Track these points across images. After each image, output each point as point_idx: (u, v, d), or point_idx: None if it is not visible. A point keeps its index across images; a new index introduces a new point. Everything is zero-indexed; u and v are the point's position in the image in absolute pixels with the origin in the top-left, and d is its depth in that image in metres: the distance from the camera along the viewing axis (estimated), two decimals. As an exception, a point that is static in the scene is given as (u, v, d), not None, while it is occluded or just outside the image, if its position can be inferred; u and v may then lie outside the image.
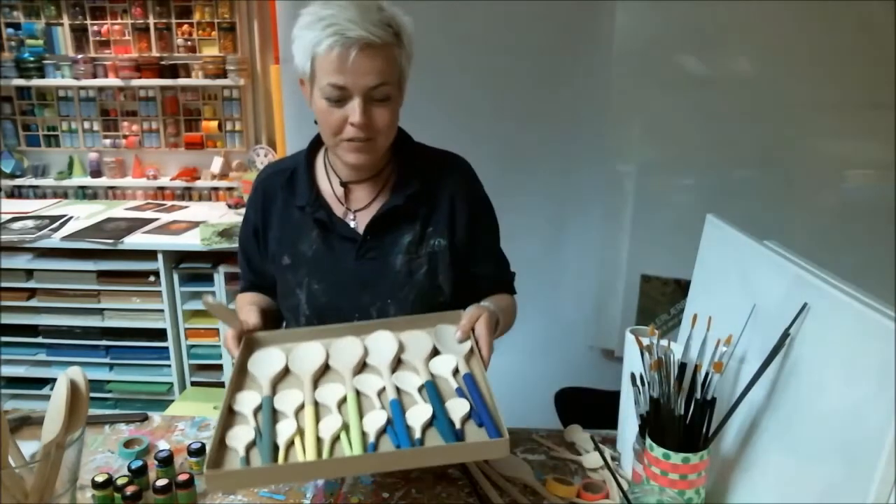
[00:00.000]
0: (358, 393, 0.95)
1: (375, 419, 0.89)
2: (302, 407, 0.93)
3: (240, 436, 0.88)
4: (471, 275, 1.22)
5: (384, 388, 0.95)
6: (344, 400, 0.94)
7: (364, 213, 1.17)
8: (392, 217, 1.14)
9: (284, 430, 0.88)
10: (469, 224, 1.18)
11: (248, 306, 1.17)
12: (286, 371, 1.01)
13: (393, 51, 1.02)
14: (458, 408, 0.90)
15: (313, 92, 1.06)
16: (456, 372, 0.98)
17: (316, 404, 0.93)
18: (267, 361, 1.02)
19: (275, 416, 0.92)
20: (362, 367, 1.01)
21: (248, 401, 0.94)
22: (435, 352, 1.02)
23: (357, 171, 1.15)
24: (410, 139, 1.20)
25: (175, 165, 3.77)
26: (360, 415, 0.90)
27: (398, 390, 0.95)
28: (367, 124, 1.03)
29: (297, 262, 1.17)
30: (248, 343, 1.05)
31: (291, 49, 1.06)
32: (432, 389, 0.93)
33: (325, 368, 1.01)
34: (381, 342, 1.04)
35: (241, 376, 1.00)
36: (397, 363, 1.01)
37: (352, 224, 1.17)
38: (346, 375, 0.98)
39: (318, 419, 0.90)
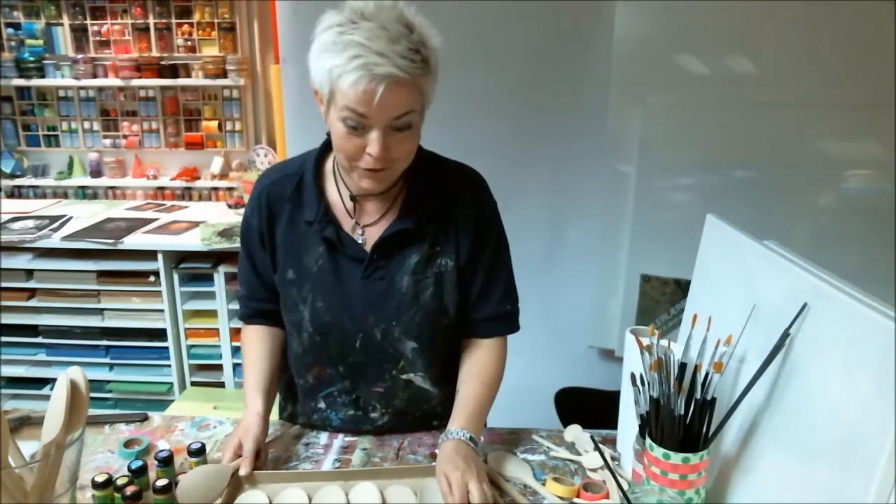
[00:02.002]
0: None
1: None
2: None
3: None
4: (472, 305, 1.17)
5: None
6: None
7: (373, 229, 1.12)
8: (400, 237, 1.11)
9: None
10: (473, 245, 1.14)
11: (253, 412, 1.10)
12: None
13: (419, 81, 0.95)
14: None
15: (329, 111, 0.99)
16: None
17: None
18: None
19: None
20: None
21: None
22: None
23: (369, 193, 1.10)
24: (423, 151, 1.13)
25: (175, 165, 3.78)
26: None
27: None
28: (385, 156, 0.98)
29: (302, 277, 1.13)
30: (237, 482, 1.04)
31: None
32: None
33: None
34: (365, 498, 1.02)
35: None
36: None
37: (359, 239, 1.12)
38: None
39: None
